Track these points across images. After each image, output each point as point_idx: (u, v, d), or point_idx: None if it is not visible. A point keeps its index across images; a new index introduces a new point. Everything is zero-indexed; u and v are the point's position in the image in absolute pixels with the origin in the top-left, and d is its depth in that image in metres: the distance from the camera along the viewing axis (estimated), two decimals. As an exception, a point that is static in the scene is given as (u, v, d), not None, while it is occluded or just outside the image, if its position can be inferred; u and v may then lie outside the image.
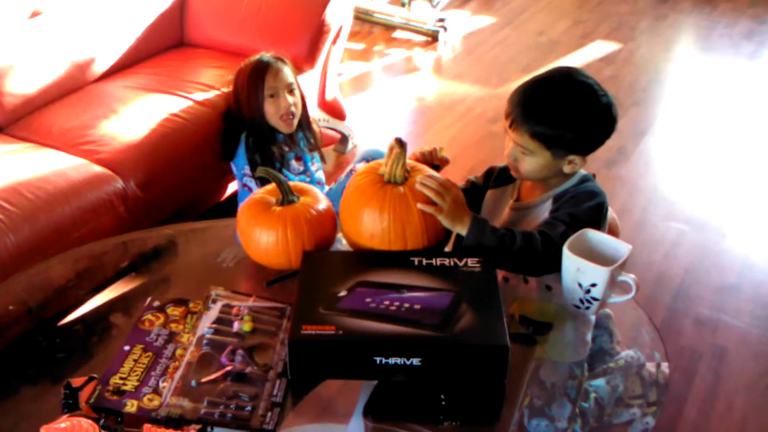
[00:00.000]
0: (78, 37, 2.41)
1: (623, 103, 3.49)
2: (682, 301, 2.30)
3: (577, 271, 1.28)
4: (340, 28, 2.69)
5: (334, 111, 2.89)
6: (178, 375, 1.19)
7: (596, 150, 1.42)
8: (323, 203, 1.44)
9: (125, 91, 2.38)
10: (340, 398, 1.23)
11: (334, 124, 2.92)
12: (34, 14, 2.36)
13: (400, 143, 1.33)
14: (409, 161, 1.41)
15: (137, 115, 2.23)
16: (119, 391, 1.16)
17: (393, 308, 1.20)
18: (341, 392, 1.23)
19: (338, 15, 2.63)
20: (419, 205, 1.31)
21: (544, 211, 1.44)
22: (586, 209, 1.39)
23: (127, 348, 1.26)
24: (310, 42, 2.56)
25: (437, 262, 1.30)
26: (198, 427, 1.10)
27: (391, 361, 1.15)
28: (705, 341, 2.15)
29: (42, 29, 2.33)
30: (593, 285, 1.28)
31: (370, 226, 1.34)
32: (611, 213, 2.39)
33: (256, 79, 2.15)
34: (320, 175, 2.42)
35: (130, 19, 2.57)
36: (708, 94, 3.64)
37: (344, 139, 3.02)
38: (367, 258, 1.35)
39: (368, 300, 1.22)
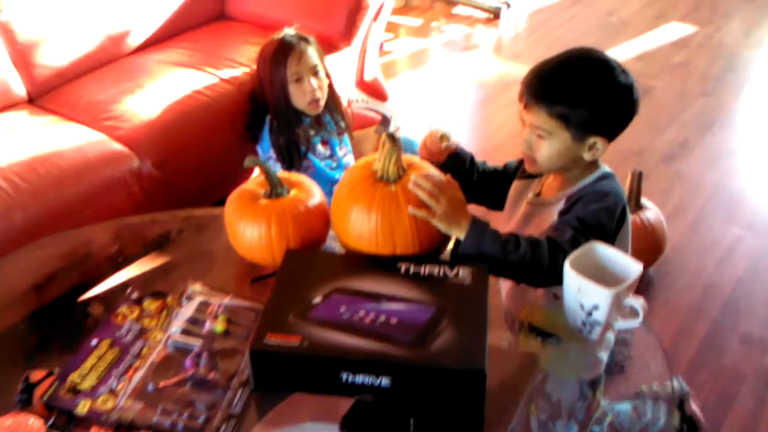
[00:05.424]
0: (114, 8, 2.38)
1: (691, 93, 3.23)
2: (730, 315, 2.10)
3: (578, 290, 1.15)
4: (382, 5, 2.56)
5: (374, 91, 2.78)
6: (138, 376, 1.14)
7: (619, 133, 1.32)
8: (315, 198, 1.35)
9: (157, 65, 2.34)
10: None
11: (374, 105, 2.82)
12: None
13: (392, 139, 1.23)
14: (410, 157, 1.31)
15: (162, 91, 2.18)
16: (75, 390, 1.12)
17: (367, 320, 1.11)
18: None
19: (379, -9, 2.51)
20: (410, 209, 1.21)
21: (557, 211, 1.33)
22: (594, 212, 1.28)
23: (94, 342, 1.21)
24: (347, 18, 2.45)
25: (425, 270, 1.19)
26: (147, 435, 1.04)
27: (359, 379, 1.06)
28: (751, 362, 1.95)
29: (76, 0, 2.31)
30: (595, 307, 1.14)
31: (357, 225, 1.24)
32: (656, 215, 2.22)
33: (278, 63, 2.06)
34: (349, 159, 2.33)
35: (168, -9, 2.52)
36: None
37: (385, 121, 2.91)
38: (351, 261, 1.26)
39: (342, 309, 1.13)
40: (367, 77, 2.71)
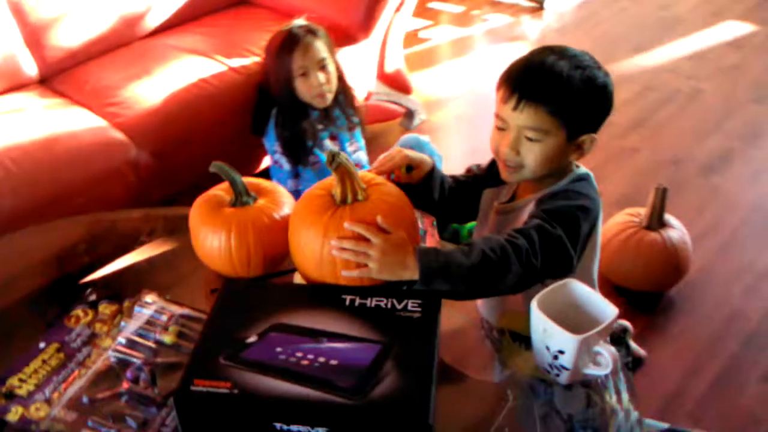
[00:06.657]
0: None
1: (741, 99, 3.02)
2: (753, 351, 1.93)
3: (543, 332, 1.06)
4: (405, -4, 2.45)
5: (397, 83, 2.68)
6: (76, 386, 1.10)
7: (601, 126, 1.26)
8: (284, 210, 1.27)
9: (168, 50, 2.28)
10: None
11: (396, 98, 2.72)
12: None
13: (332, 159, 1.10)
14: (368, 173, 1.21)
15: (169, 79, 2.13)
16: (10, 395, 1.09)
17: (305, 363, 1.01)
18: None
19: (402, -19, 2.39)
20: (344, 272, 1.11)
21: (528, 213, 1.22)
22: (562, 206, 1.18)
23: (42, 345, 1.18)
24: (366, 9, 2.35)
25: (372, 302, 1.09)
26: (73, 448, 1.00)
27: (294, 428, 0.97)
28: (769, 404, 1.80)
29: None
30: (561, 352, 1.04)
31: (303, 245, 1.15)
32: (681, 236, 2.06)
33: (283, 57, 1.99)
34: (360, 156, 2.24)
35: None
36: None
37: (410, 114, 2.81)
38: (292, 293, 1.17)
39: (279, 350, 1.03)
40: (389, 69, 2.61)
